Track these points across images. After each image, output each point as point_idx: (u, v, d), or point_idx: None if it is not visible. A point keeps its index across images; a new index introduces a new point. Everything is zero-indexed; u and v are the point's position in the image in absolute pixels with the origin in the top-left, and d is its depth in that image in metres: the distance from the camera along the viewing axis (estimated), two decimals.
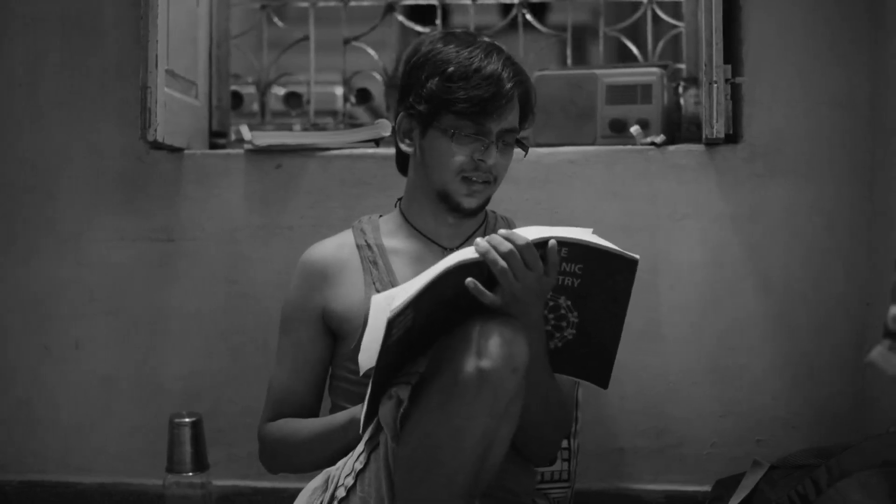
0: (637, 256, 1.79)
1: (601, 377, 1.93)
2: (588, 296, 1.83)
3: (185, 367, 2.79)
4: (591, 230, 1.86)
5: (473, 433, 1.72)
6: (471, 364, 1.71)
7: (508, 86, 2.05)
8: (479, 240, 1.81)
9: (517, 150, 2.17)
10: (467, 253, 1.79)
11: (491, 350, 1.71)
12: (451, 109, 2.04)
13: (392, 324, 1.70)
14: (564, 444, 2.32)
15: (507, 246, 1.78)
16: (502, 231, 1.81)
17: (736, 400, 2.69)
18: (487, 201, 2.15)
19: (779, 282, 2.67)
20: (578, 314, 1.86)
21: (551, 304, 1.86)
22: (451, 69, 2.05)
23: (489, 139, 2.06)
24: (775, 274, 2.68)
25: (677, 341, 2.69)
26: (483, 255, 1.78)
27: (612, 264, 1.79)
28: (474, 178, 2.08)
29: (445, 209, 2.13)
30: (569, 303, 1.85)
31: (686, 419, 2.69)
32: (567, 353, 1.91)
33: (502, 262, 1.77)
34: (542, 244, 1.79)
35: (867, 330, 2.61)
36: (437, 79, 2.05)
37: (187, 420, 2.35)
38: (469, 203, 2.10)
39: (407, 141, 2.15)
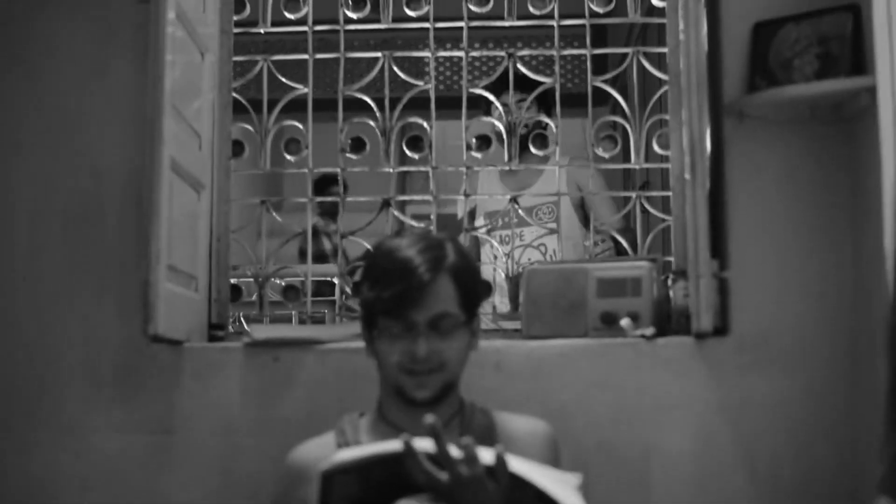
0: None
1: None
2: None
3: None
4: (580, 476, 1.88)
5: None
6: None
7: (422, 274, 2.06)
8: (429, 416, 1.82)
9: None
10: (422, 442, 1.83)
11: None
12: (379, 311, 2.10)
13: (330, 479, 1.70)
14: None
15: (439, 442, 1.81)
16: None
17: None
18: (446, 388, 2.15)
19: (768, 472, 2.68)
20: None
21: None
22: (376, 272, 2.12)
23: (416, 331, 2.08)
24: (764, 465, 2.69)
25: None
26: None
27: None
28: (416, 370, 2.10)
29: (404, 404, 2.15)
30: None
31: None
32: None
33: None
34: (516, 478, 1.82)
35: None
36: (367, 284, 2.12)
37: None
38: (421, 394, 2.11)
39: (368, 348, 2.21)
